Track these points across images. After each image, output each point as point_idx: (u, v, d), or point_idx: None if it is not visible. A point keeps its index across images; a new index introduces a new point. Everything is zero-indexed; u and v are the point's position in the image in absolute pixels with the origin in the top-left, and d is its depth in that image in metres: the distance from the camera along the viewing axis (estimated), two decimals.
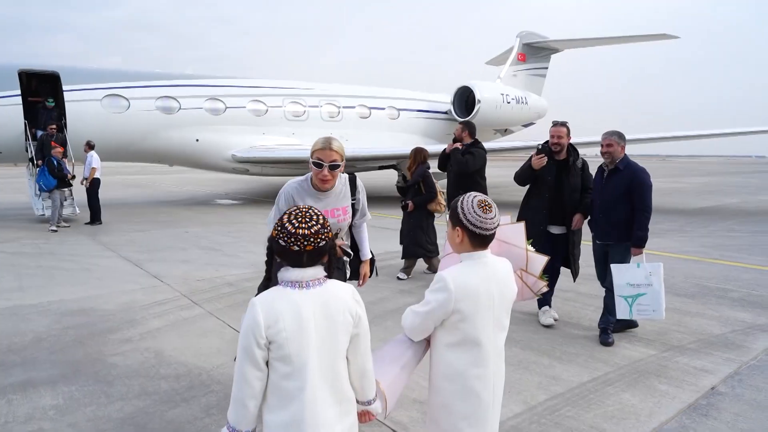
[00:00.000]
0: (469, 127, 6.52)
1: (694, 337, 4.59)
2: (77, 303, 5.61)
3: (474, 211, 2.00)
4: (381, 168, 19.79)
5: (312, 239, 1.67)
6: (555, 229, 4.88)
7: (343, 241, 3.07)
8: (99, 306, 5.49)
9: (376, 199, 18.31)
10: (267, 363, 1.69)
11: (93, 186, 12.18)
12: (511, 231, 2.52)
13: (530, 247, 2.59)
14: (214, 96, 15.99)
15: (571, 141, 4.96)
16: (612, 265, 4.34)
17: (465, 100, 20.32)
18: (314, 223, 1.70)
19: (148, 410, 3.30)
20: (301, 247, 1.67)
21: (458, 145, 6.42)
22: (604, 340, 4.42)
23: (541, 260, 2.55)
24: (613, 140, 4.52)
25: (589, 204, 4.80)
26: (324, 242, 1.71)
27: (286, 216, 1.72)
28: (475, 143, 6.37)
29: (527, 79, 23.48)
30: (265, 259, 1.79)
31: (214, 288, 6.29)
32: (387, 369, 2.08)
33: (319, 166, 2.82)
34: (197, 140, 15.68)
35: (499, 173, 21.31)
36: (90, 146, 12.52)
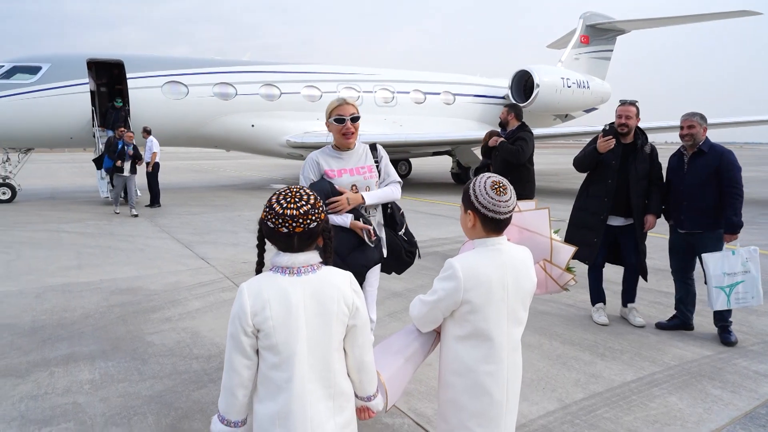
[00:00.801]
0: (516, 111, 6.20)
1: (759, 339, 4.21)
2: (126, 282, 5.80)
3: (486, 193, 1.83)
4: (435, 154, 19.55)
5: (301, 220, 1.57)
6: (615, 221, 4.46)
7: (367, 225, 2.91)
8: (146, 285, 5.65)
9: (430, 185, 18.12)
10: (258, 352, 1.61)
11: (153, 170, 12.63)
12: (535, 218, 2.32)
13: (556, 236, 2.38)
14: (269, 82, 16.21)
15: (639, 124, 4.54)
16: (704, 256, 4.05)
17: (523, 84, 19.70)
18: (304, 203, 1.59)
19: (176, 389, 3.34)
20: (290, 229, 1.57)
21: (497, 138, 6.09)
22: (726, 339, 4.08)
23: (567, 250, 2.34)
24: (694, 121, 4.18)
25: (659, 200, 4.41)
26: (315, 224, 1.60)
27: (275, 196, 1.62)
28: (522, 127, 6.07)
29: (590, 63, 22.52)
30: (257, 242, 1.70)
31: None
32: (390, 360, 1.97)
33: (341, 121, 2.91)
34: (252, 126, 15.97)
35: (557, 160, 20.64)
36: (147, 132, 12.99)
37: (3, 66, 13.42)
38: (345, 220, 2.89)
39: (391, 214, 3.18)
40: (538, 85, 18.88)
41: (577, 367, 3.64)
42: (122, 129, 12.32)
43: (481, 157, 6.49)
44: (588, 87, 20.88)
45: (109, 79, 15.31)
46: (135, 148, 11.60)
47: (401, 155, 19.59)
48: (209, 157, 40.38)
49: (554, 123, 22.07)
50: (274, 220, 1.58)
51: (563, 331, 4.30)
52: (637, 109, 4.45)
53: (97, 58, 14.37)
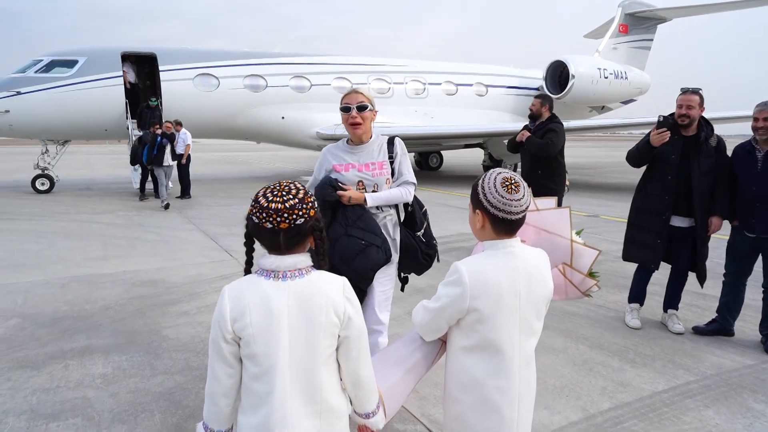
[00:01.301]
0: (549, 102, 5.94)
1: None
2: (149, 274, 5.81)
3: (496, 191, 1.66)
4: (467, 146, 19.24)
5: (286, 215, 1.43)
6: (679, 221, 4.07)
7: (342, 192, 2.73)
8: (167, 278, 5.65)
9: (461, 178, 17.85)
10: (241, 359, 1.49)
11: (185, 162, 12.76)
12: (555, 217, 2.13)
13: (577, 238, 2.17)
14: (299, 74, 16.17)
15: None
16: None
17: (558, 75, 19.16)
18: (291, 196, 1.46)
19: (186, 386, 3.27)
20: (274, 224, 1.44)
21: (524, 132, 5.79)
22: None
23: (590, 254, 2.13)
24: None
25: (726, 199, 4.01)
26: (302, 220, 1.45)
27: (262, 190, 1.50)
28: (552, 118, 5.79)
29: (629, 52, 21.76)
30: (244, 240, 1.58)
31: None
32: (389, 371, 1.83)
33: (346, 109, 2.77)
34: (283, 118, 15.97)
35: (594, 153, 20.08)
36: (179, 124, 13.11)
37: (42, 60, 13.73)
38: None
39: (411, 213, 2.99)
40: (573, 76, 18.33)
41: (605, 374, 3.43)
42: (157, 125, 12.42)
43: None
44: (626, 78, 20.19)
45: (143, 73, 15.52)
46: (172, 134, 11.60)
47: (432, 148, 19.35)
48: (244, 149, 40.82)
49: (590, 115, 21.45)
50: (258, 214, 1.45)
51: (591, 334, 4.08)
52: (701, 97, 4.04)
53: (130, 51, 14.57)
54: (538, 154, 5.62)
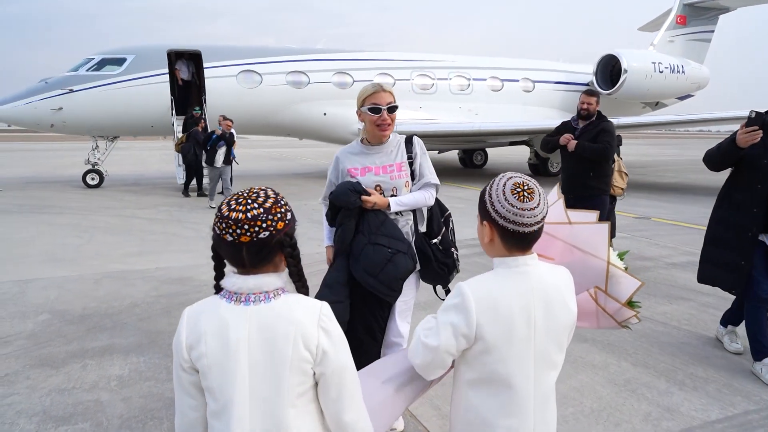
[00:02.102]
0: (599, 98, 5.43)
1: None
2: (180, 271, 5.78)
3: (506, 200, 1.41)
4: (512, 144, 18.72)
5: (247, 226, 1.24)
6: None
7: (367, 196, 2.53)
8: (197, 276, 5.60)
9: None
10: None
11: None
12: (589, 233, 1.79)
13: (617, 260, 1.80)
14: (341, 70, 16.08)
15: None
16: None
17: (610, 70, 18.39)
18: (256, 205, 1.26)
19: None
20: (235, 237, 1.25)
21: (569, 138, 5.12)
22: None
23: (630, 283, 1.76)
24: None
25: None
26: (267, 233, 1.25)
27: (232, 196, 1.32)
28: (601, 116, 5.30)
29: (686, 45, 20.67)
30: (212, 254, 1.39)
31: (312, 264, 6.12)
32: (378, 388, 1.60)
33: (376, 111, 2.54)
34: (324, 114, 15.92)
35: (646, 151, 19.24)
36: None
37: (93, 58, 14.13)
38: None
39: (429, 218, 2.76)
40: (625, 71, 17.53)
41: (649, 397, 3.10)
42: (200, 118, 12.49)
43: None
44: (683, 72, 19.18)
45: (188, 71, 15.77)
46: (232, 135, 11.14)
47: (477, 145, 18.93)
48: (287, 145, 41.25)
49: (643, 111, 20.51)
50: (219, 224, 1.27)
51: (635, 350, 3.74)
52: None
53: (177, 49, 14.81)
54: (596, 160, 5.06)
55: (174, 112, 14.25)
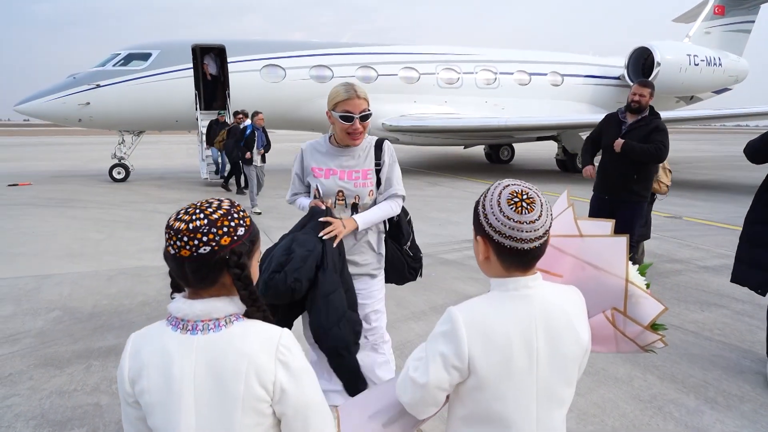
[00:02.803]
0: (654, 90, 4.76)
1: None
2: None
3: (501, 212, 1.22)
4: (539, 139, 18.31)
5: (186, 239, 1.09)
6: None
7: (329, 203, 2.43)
8: None
9: (532, 173, 17.04)
10: None
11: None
12: (605, 248, 1.53)
13: (637, 278, 1.52)
14: (366, 64, 15.93)
15: None
16: None
17: (642, 63, 17.83)
18: (202, 216, 1.11)
19: None
20: (176, 250, 1.10)
21: (620, 142, 4.62)
22: None
23: (653, 307, 1.48)
24: None
25: None
26: (209, 248, 1.10)
27: (188, 205, 1.18)
28: (653, 112, 4.76)
29: (724, 37, 19.91)
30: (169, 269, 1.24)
31: None
32: (363, 425, 1.42)
33: (348, 119, 2.35)
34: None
35: (680, 147, 18.60)
36: (245, 115, 13.21)
37: (120, 54, 14.26)
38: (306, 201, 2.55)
39: (398, 223, 2.64)
40: (659, 64, 16.98)
41: (677, 417, 2.88)
42: (241, 116, 12.19)
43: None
44: (720, 64, 18.49)
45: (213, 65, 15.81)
46: (266, 133, 10.32)
47: (503, 140, 18.58)
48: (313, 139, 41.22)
49: (677, 106, 19.87)
50: (165, 233, 1.13)
51: (663, 362, 3.50)
52: None
53: (201, 44, 14.85)
54: (649, 162, 4.64)
55: (199, 106, 14.31)
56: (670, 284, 5.15)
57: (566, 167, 16.71)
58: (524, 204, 1.22)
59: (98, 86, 13.55)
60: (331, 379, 2.45)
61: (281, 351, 1.13)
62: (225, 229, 1.12)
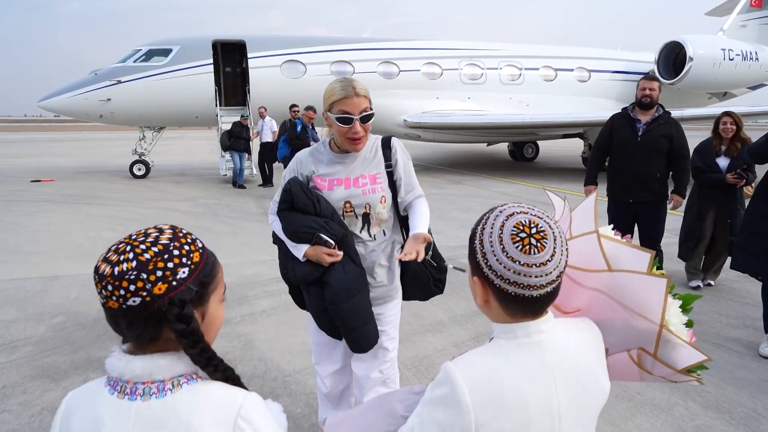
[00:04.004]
0: (661, 83, 4.70)
1: None
2: None
3: (503, 250, 0.98)
4: (565, 136, 17.83)
5: (111, 287, 0.86)
6: None
7: (330, 249, 2.04)
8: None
9: (557, 171, 16.60)
10: None
11: (267, 149, 12.70)
12: (641, 285, 1.14)
13: (677, 321, 1.15)
14: (387, 59, 15.65)
15: None
16: None
17: (673, 58, 17.18)
18: (131, 256, 0.88)
19: None
20: (104, 300, 0.88)
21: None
22: None
23: (692, 356, 1.15)
24: None
25: None
26: (139, 300, 0.86)
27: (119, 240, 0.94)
28: (663, 109, 4.55)
29: (761, 30, 19.09)
30: None
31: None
32: None
33: (346, 121, 2.00)
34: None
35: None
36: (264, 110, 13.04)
37: (141, 49, 14.21)
38: (299, 250, 2.07)
39: None
40: (691, 58, 16.31)
41: None
42: (296, 110, 11.55)
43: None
44: (756, 59, 17.72)
45: (234, 61, 15.67)
46: (314, 130, 9.57)
47: (528, 137, 18.14)
48: None
49: (709, 102, 19.13)
50: (93, 277, 0.90)
51: (707, 387, 3.17)
52: None
53: (221, 39, 14.73)
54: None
55: (219, 102, 14.20)
56: (707, 295, 4.79)
57: None
58: (533, 241, 0.96)
59: (119, 82, 13.52)
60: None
61: (240, 425, 0.89)
62: (159, 273, 0.87)
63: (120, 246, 0.89)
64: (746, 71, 17.74)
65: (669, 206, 4.64)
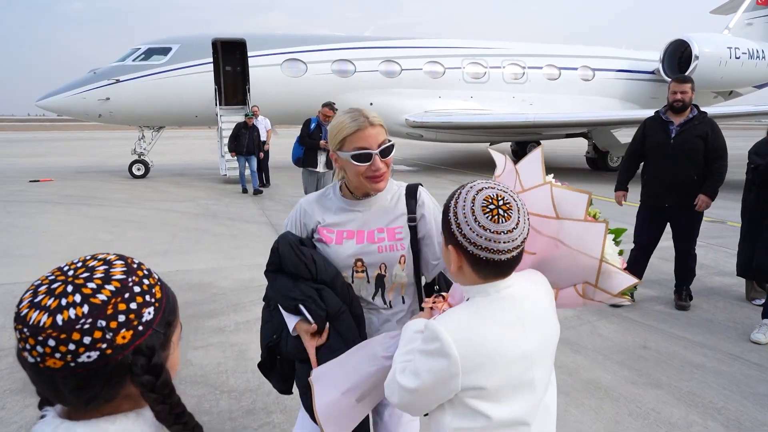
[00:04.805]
0: (694, 84, 4.43)
1: None
2: (201, 275, 5.37)
3: (475, 220, 1.13)
4: (568, 136, 17.63)
5: (53, 342, 0.68)
6: None
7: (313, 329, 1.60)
8: (218, 281, 5.17)
9: (561, 171, 16.33)
10: None
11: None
12: (583, 233, 1.32)
13: (612, 252, 1.35)
14: (389, 58, 15.47)
15: None
16: None
17: (678, 57, 16.97)
18: (77, 299, 0.70)
19: None
20: (37, 359, 0.69)
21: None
22: None
23: (626, 280, 1.34)
24: None
25: None
26: (96, 354, 0.69)
27: (39, 279, 0.76)
28: (696, 108, 4.43)
29: (767, 28, 18.88)
30: None
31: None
32: (336, 401, 1.44)
33: (364, 159, 1.59)
34: (371, 104, 15.35)
35: None
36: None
37: (140, 48, 14.06)
38: (290, 321, 1.64)
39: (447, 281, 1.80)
40: (696, 57, 16.11)
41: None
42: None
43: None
44: (763, 57, 17.50)
45: (234, 60, 15.52)
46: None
47: (531, 137, 17.94)
48: None
49: (714, 101, 18.91)
50: (15, 330, 0.72)
51: (726, 404, 2.98)
52: None
53: (221, 38, 14.57)
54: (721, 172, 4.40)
55: (219, 102, 14.04)
56: (721, 303, 4.61)
57: (597, 166, 16.05)
58: (501, 211, 1.12)
59: (118, 81, 13.37)
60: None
61: None
62: (122, 318, 0.71)
63: (55, 285, 0.71)
64: (753, 70, 17.54)
65: (696, 206, 4.44)
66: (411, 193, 1.77)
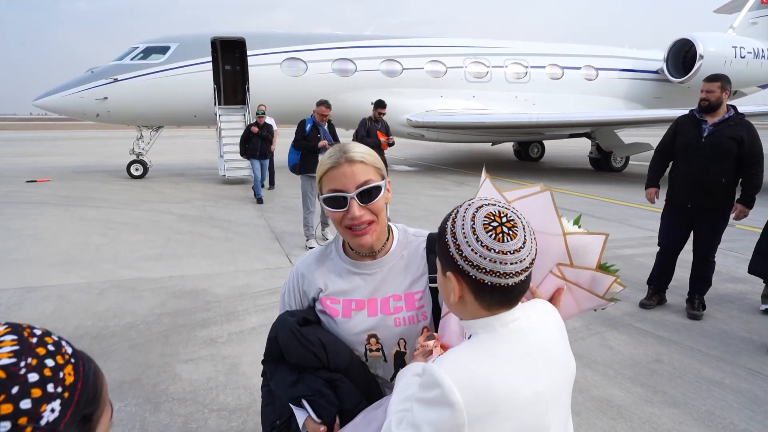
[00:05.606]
0: (725, 83, 4.17)
1: None
2: (194, 281, 5.19)
3: (477, 239, 0.99)
4: (572, 136, 17.43)
5: None
6: None
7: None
8: (211, 288, 4.98)
9: (564, 171, 16.21)
10: None
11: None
12: (535, 208, 1.28)
13: (572, 227, 1.34)
14: (390, 57, 15.30)
15: None
16: None
17: (683, 56, 16.76)
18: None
19: None
20: None
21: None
22: None
23: (594, 242, 1.30)
24: None
25: None
26: None
27: None
28: (733, 108, 4.25)
29: None
30: None
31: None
32: None
33: (337, 203, 1.34)
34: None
35: None
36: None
37: (138, 47, 13.88)
38: (298, 414, 1.37)
39: None
40: (701, 56, 15.89)
41: None
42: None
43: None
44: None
45: (234, 59, 15.34)
46: (333, 130, 7.30)
47: (534, 137, 17.75)
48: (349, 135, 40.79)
49: None
50: None
51: (746, 422, 2.80)
52: None
53: (220, 37, 14.40)
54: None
55: (218, 101, 13.87)
56: (736, 312, 4.43)
57: (600, 166, 15.85)
58: (505, 229, 0.99)
59: (116, 80, 13.20)
60: None
61: None
62: (5, 426, 0.52)
63: None
64: (757, 69, 17.33)
65: (732, 215, 4.29)
66: (432, 246, 1.40)
